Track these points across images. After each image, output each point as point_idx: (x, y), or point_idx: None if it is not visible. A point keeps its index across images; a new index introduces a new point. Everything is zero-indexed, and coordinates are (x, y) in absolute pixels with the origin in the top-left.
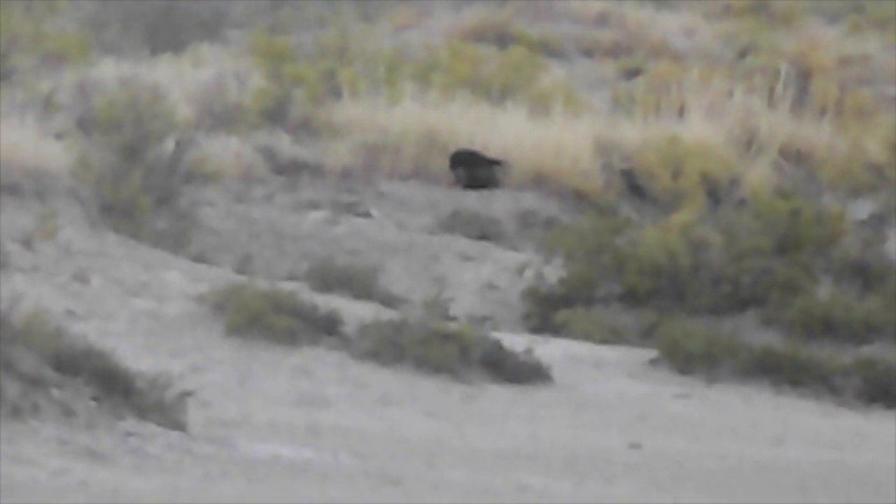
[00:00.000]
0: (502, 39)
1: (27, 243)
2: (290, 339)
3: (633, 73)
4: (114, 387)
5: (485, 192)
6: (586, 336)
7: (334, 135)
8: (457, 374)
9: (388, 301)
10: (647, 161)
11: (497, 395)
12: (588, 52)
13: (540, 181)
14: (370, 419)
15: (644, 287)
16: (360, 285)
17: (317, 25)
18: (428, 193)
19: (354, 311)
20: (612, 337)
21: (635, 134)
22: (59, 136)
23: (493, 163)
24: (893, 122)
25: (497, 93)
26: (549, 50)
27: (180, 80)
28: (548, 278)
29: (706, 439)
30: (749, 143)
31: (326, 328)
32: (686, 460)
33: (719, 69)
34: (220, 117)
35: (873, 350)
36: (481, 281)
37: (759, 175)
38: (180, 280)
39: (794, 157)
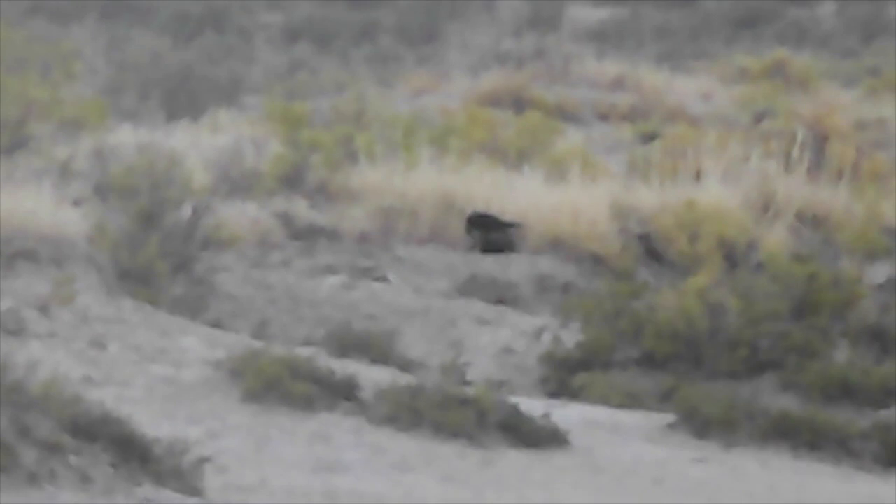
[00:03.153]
0: (519, 104)
1: (44, 310)
2: (307, 404)
3: (649, 137)
4: (131, 453)
5: (501, 257)
6: (604, 400)
7: (351, 200)
8: (474, 438)
9: (406, 366)
10: (663, 225)
11: (514, 460)
12: (604, 117)
13: (557, 245)
14: (387, 485)
15: (661, 351)
16: (377, 350)
17: (334, 90)
18: (445, 258)
19: (371, 376)
20: (630, 401)
21: (652, 198)
22: (76, 203)
23: (509, 225)
24: None
25: (514, 157)
26: (565, 114)
27: (197, 146)
28: (565, 342)
29: None
30: (766, 207)
31: (344, 393)
32: None
33: (736, 133)
34: (237, 183)
35: (891, 414)
36: (498, 345)
37: (775, 239)
38: (197, 346)
39: (811, 220)
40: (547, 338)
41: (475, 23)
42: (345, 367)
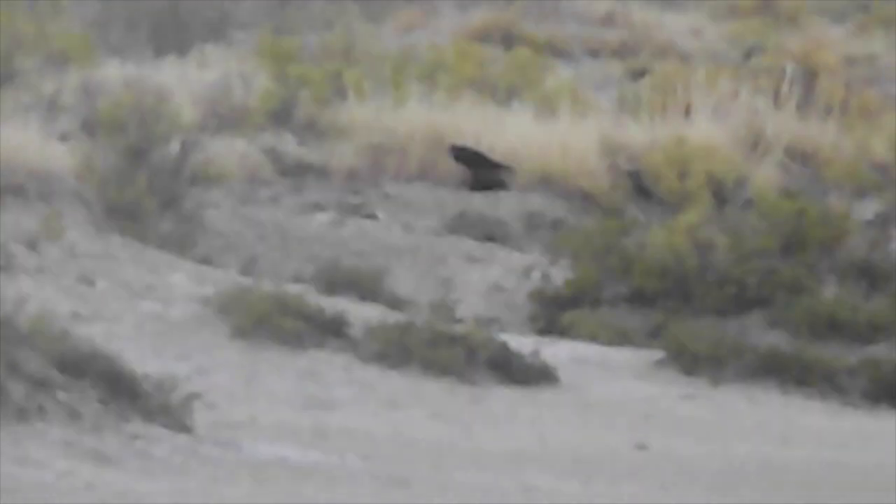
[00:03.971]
0: (508, 40)
1: (32, 245)
2: (296, 341)
3: (639, 74)
4: (120, 389)
5: (491, 194)
6: (593, 337)
7: (340, 136)
8: (463, 375)
9: (395, 303)
10: (653, 162)
11: (503, 397)
12: (594, 53)
13: (546, 182)
14: (377, 421)
15: (650, 288)
16: (366, 287)
17: (322, 26)
18: (434, 195)
19: (361, 314)
20: (619, 338)
21: (641, 134)
22: (63, 138)
23: (498, 166)
24: None
25: (503, 93)
26: (555, 50)
27: (185, 81)
28: (554, 280)
29: (712, 440)
30: (755, 144)
31: (333, 330)
32: (692, 461)
33: (725, 69)
34: (226, 119)
35: (879, 350)
36: (488, 282)
37: (764, 175)
38: (186, 282)
39: (800, 157)
40: (536, 275)
41: None
42: (334, 304)
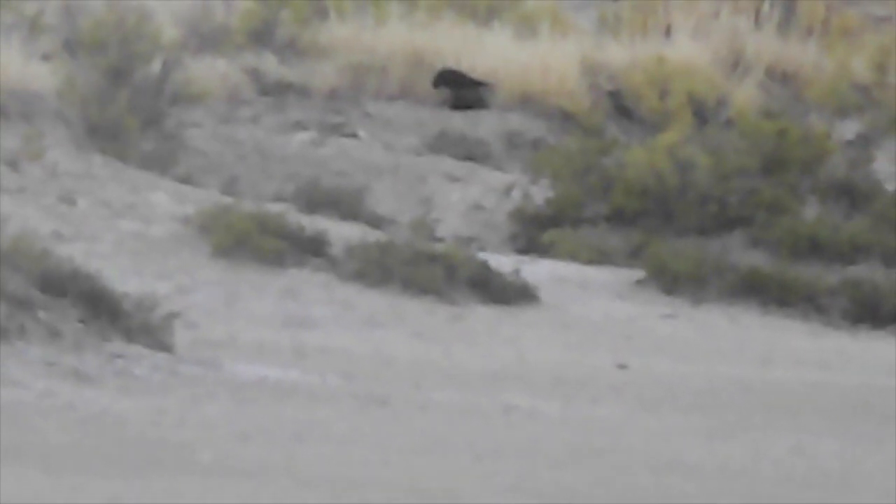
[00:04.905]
0: None
1: (13, 164)
2: (276, 260)
3: None
4: (100, 308)
5: (471, 113)
6: (573, 257)
7: (321, 56)
8: (443, 294)
9: (375, 222)
10: (633, 81)
11: (483, 316)
12: None
13: (526, 102)
14: (357, 340)
15: (631, 207)
16: (346, 206)
17: None
18: (414, 114)
19: (341, 233)
20: (599, 257)
21: (622, 54)
22: (45, 58)
23: (478, 84)
24: (879, 42)
25: (483, 13)
26: None
27: (166, 1)
28: (534, 199)
29: (693, 359)
30: (735, 64)
31: (313, 249)
32: (673, 380)
33: None
34: (207, 38)
35: (860, 270)
36: (468, 202)
37: (745, 95)
38: (166, 201)
39: (781, 77)
40: (516, 194)
41: None
42: (314, 224)
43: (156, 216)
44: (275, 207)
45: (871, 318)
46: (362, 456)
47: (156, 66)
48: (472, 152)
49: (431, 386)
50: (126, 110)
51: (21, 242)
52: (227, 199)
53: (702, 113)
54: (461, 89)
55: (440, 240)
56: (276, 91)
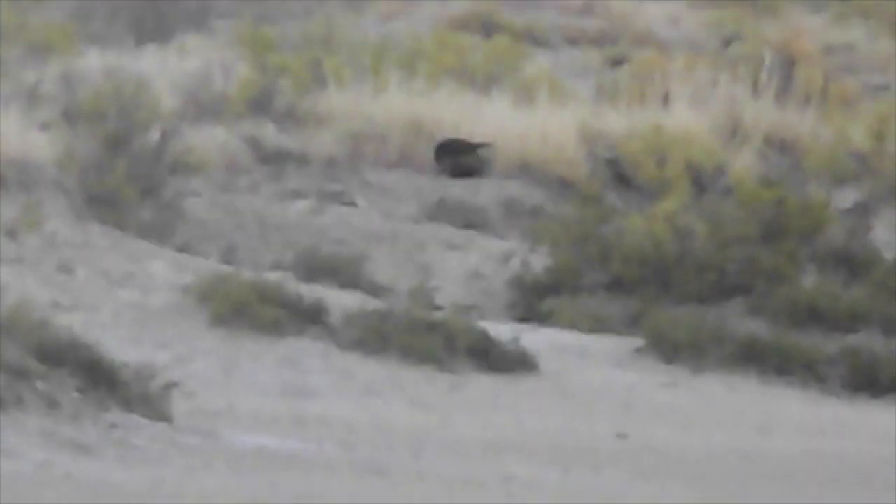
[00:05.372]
0: (487, 28)
1: (12, 234)
2: (275, 329)
3: (617, 62)
4: (98, 378)
5: (470, 181)
6: (572, 325)
7: (319, 124)
8: (442, 363)
9: (374, 290)
10: (631, 149)
11: (483, 385)
12: (573, 41)
13: (525, 170)
14: (355, 409)
15: (630, 276)
16: (345, 274)
17: (303, 15)
18: (413, 182)
19: (340, 301)
20: (598, 326)
21: (620, 122)
22: (44, 127)
23: (478, 146)
24: (878, 111)
25: (482, 81)
26: (533, 39)
27: (166, 70)
28: (533, 267)
29: (692, 428)
30: (734, 132)
31: (312, 318)
32: (672, 450)
33: (704, 58)
34: (206, 107)
35: (858, 339)
36: (467, 269)
37: (743, 163)
38: (165, 270)
39: (779, 145)
40: (515, 262)
41: None
42: (313, 292)
43: (154, 285)
44: (273, 276)
45: (871, 386)
46: None
47: (154, 136)
48: (470, 220)
49: (430, 455)
50: (125, 179)
51: (19, 312)
52: (226, 268)
53: (700, 181)
54: (460, 156)
55: (439, 308)
56: (274, 159)
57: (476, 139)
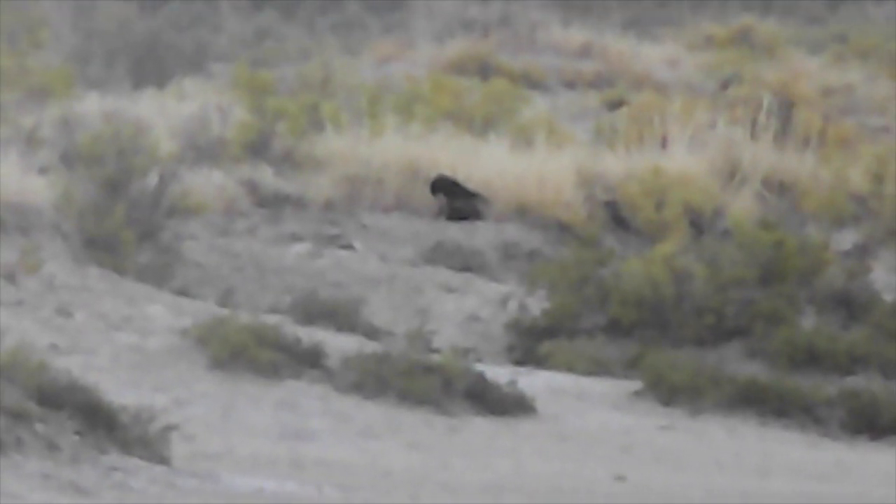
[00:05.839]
0: (484, 71)
1: (10, 278)
2: (273, 372)
3: (615, 105)
4: (97, 421)
5: (467, 224)
6: (570, 368)
7: (317, 167)
8: (440, 406)
9: (372, 333)
10: (629, 192)
11: (480, 428)
12: (570, 84)
13: (523, 213)
14: (354, 452)
15: (628, 318)
16: (343, 318)
17: (300, 58)
18: (410, 225)
19: (338, 344)
20: (596, 368)
21: (618, 165)
22: (42, 171)
23: (474, 195)
24: (876, 153)
25: (479, 125)
26: (531, 82)
27: (163, 113)
28: (531, 310)
29: (691, 471)
30: (732, 174)
31: (310, 361)
32: (671, 492)
33: (702, 100)
34: (203, 151)
35: (858, 381)
36: (464, 313)
37: (742, 206)
38: (163, 314)
39: (778, 187)
40: (513, 305)
41: None
42: (311, 335)
43: (152, 329)
44: (271, 319)
45: (870, 428)
46: None
47: (152, 179)
48: (468, 263)
49: (428, 498)
50: (123, 223)
51: (18, 355)
52: (224, 312)
53: (698, 224)
54: (457, 200)
55: (436, 351)
56: (272, 203)
57: (472, 186)
